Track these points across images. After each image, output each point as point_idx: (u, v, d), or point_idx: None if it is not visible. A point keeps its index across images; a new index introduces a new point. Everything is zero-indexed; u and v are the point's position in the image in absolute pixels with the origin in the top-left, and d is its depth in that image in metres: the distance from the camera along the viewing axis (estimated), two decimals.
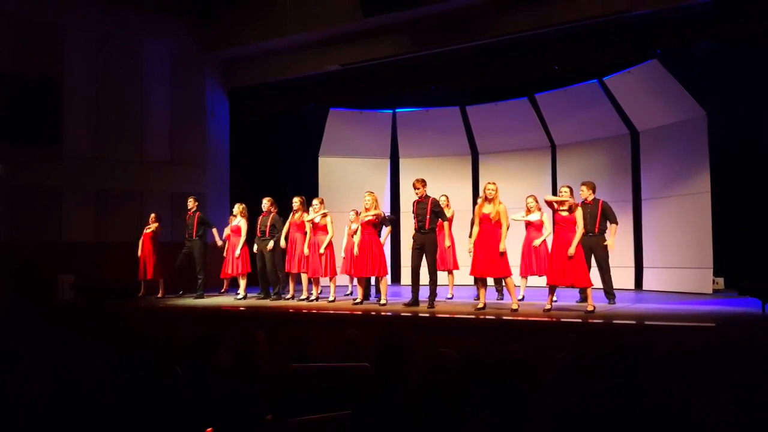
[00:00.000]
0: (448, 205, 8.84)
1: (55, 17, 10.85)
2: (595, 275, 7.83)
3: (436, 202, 7.65)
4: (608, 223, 7.70)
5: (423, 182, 7.72)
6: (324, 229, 8.67)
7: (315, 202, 8.80)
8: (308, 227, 8.73)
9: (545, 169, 11.30)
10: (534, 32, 9.29)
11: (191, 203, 9.70)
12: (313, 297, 8.75)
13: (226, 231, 9.63)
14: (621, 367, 2.95)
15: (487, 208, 7.05)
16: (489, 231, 7.05)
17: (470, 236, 8.54)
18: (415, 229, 7.67)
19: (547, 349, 3.55)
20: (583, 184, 7.86)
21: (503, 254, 7.00)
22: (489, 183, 7.17)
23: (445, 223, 7.89)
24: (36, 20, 10.68)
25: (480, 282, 7.37)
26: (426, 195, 7.66)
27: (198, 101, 12.13)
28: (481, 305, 7.15)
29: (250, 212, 9.52)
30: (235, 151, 12.52)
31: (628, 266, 10.10)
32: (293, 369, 3.21)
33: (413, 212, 7.68)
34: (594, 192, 7.81)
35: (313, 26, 10.76)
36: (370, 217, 7.91)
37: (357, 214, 8.68)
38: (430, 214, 7.55)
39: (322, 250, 8.53)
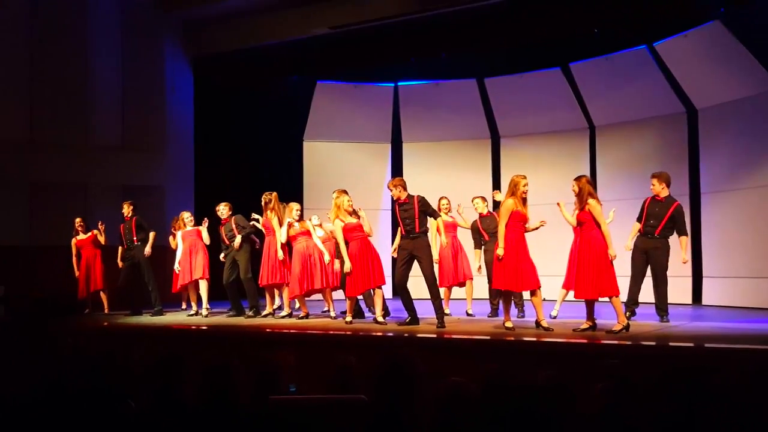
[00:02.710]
0: (449, 210, 8.87)
1: None
2: (646, 286, 7.82)
3: (422, 200, 7.69)
4: (677, 234, 7.64)
5: (401, 183, 7.78)
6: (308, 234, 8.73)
7: (296, 207, 8.84)
8: (275, 224, 8.80)
9: (582, 156, 11.30)
10: None
11: (127, 209, 9.75)
12: (302, 315, 8.76)
13: (174, 242, 9.66)
14: (676, 400, 2.95)
15: (522, 208, 7.06)
16: (523, 235, 7.10)
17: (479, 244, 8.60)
18: (402, 234, 7.70)
19: (584, 377, 3.55)
20: (654, 176, 7.76)
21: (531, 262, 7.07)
22: (524, 178, 7.14)
23: (440, 225, 7.93)
24: None
25: (510, 296, 7.36)
26: (409, 195, 7.71)
27: (156, 72, 12.11)
28: (510, 324, 7.16)
29: (209, 216, 9.57)
30: (201, 135, 12.52)
31: (684, 276, 10.09)
32: (273, 402, 3.22)
33: (398, 216, 7.73)
34: (668, 186, 7.73)
35: None
36: (364, 226, 7.97)
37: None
38: (419, 215, 7.58)
39: (327, 259, 8.61)
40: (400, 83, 12.36)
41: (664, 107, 10.46)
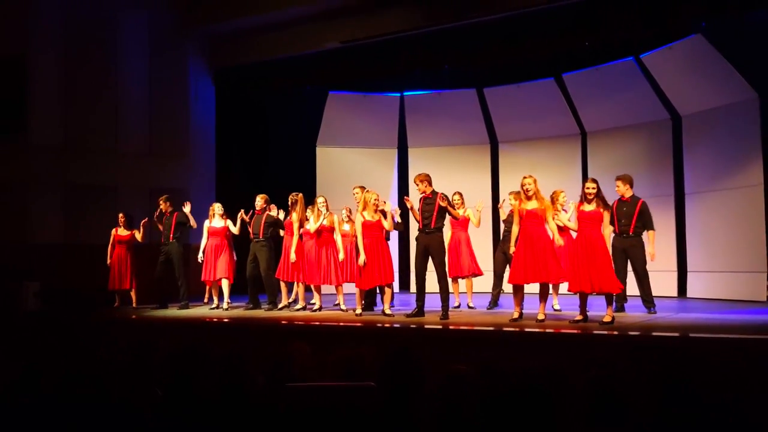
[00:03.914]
0: (462, 205, 8.81)
1: None
2: (630, 282, 7.79)
3: (445, 198, 7.68)
4: (645, 230, 7.62)
5: (426, 178, 7.72)
6: (330, 230, 8.64)
7: (321, 200, 8.73)
8: (296, 228, 8.74)
9: (574, 160, 11.25)
10: (561, 3, 9.23)
11: (164, 205, 9.65)
12: (316, 307, 8.74)
13: (204, 240, 9.49)
14: (663, 386, 2.92)
15: (531, 205, 7.00)
16: (535, 230, 6.97)
17: (502, 239, 8.53)
18: (419, 229, 7.70)
19: (578, 364, 3.53)
20: (618, 178, 7.77)
21: (556, 257, 6.95)
22: (526, 177, 7.08)
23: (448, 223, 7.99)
24: None
25: (517, 290, 7.27)
26: (433, 191, 7.66)
27: (180, 83, 12.10)
28: (516, 315, 7.09)
29: (237, 210, 9.51)
30: (222, 141, 12.52)
31: (670, 270, 10.04)
32: (289, 388, 3.20)
33: (419, 210, 7.69)
34: (632, 187, 7.73)
35: None
36: (384, 224, 7.94)
37: (350, 212, 8.69)
38: (438, 211, 7.55)
39: (342, 257, 8.47)
40: (405, 93, 12.33)
41: (650, 114, 10.40)
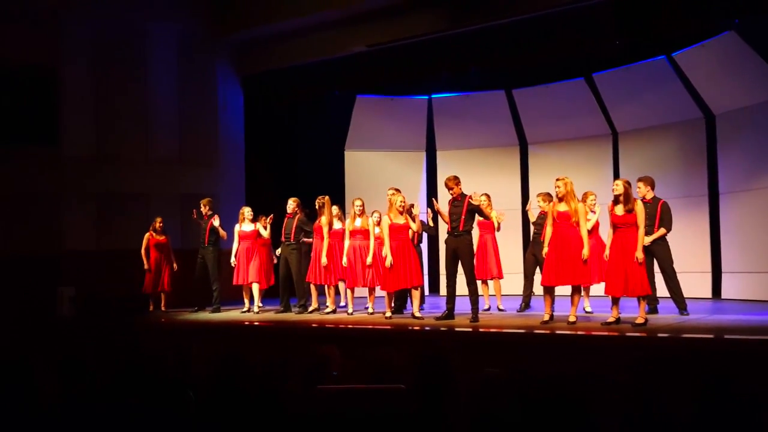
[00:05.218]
0: (489, 206, 8.81)
1: (49, 0, 11.09)
2: (660, 283, 7.73)
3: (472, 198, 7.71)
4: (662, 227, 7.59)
5: (456, 180, 7.80)
6: (366, 233, 8.68)
7: (357, 203, 8.79)
8: (325, 231, 8.82)
9: (606, 160, 11.18)
10: (590, 2, 9.20)
11: (204, 208, 9.84)
12: (350, 310, 8.80)
13: (235, 244, 9.62)
14: (697, 389, 2.93)
15: (562, 207, 7.02)
16: (567, 232, 6.99)
17: (532, 241, 8.53)
18: (448, 231, 7.74)
19: (611, 366, 3.54)
20: (640, 180, 7.77)
21: (586, 260, 6.96)
22: (558, 179, 7.12)
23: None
24: (28, 4, 10.94)
25: (548, 292, 7.29)
26: (462, 193, 7.70)
27: (209, 91, 12.29)
28: (547, 317, 7.10)
29: (267, 216, 9.66)
30: (251, 147, 12.69)
31: (705, 271, 9.93)
32: (320, 391, 3.27)
33: (448, 212, 7.73)
34: (653, 189, 7.71)
35: (337, 2, 10.84)
36: (412, 226, 7.99)
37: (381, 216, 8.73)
38: (466, 214, 7.58)
39: (369, 260, 8.46)
40: (433, 96, 12.36)
41: (683, 113, 10.30)
